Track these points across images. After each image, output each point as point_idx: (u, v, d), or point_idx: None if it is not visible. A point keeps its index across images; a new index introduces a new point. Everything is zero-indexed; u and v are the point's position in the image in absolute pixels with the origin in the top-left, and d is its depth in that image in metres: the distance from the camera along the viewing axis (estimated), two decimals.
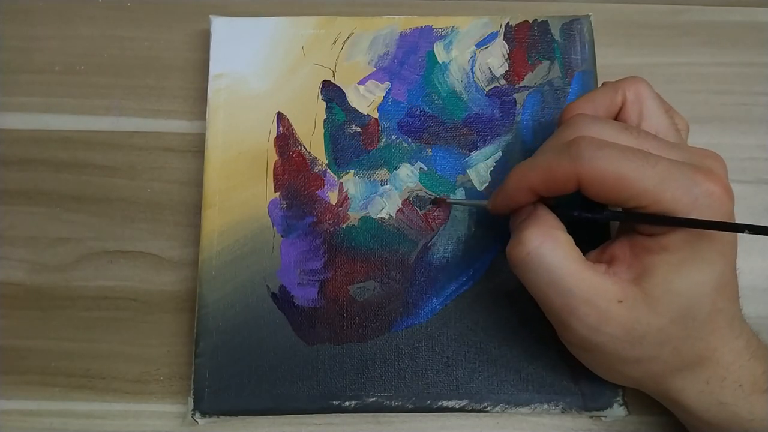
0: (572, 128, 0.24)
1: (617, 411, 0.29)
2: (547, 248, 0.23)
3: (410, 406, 0.29)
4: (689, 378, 0.24)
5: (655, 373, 0.24)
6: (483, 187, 0.31)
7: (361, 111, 0.32)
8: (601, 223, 0.30)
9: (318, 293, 0.30)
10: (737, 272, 0.24)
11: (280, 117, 0.32)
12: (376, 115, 0.32)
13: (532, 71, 0.33)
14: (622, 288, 0.23)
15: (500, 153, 0.32)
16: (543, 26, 0.33)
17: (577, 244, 0.24)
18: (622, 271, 0.24)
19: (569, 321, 0.23)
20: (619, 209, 0.24)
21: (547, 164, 0.23)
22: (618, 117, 0.26)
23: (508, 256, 0.24)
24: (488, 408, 0.29)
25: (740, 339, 0.24)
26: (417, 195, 0.31)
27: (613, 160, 0.22)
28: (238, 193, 0.31)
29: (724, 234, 0.23)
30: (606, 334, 0.23)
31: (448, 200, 0.31)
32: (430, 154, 0.32)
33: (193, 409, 0.29)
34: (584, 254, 0.24)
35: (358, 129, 0.32)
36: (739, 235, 0.23)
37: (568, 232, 0.24)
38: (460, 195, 0.31)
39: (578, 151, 0.22)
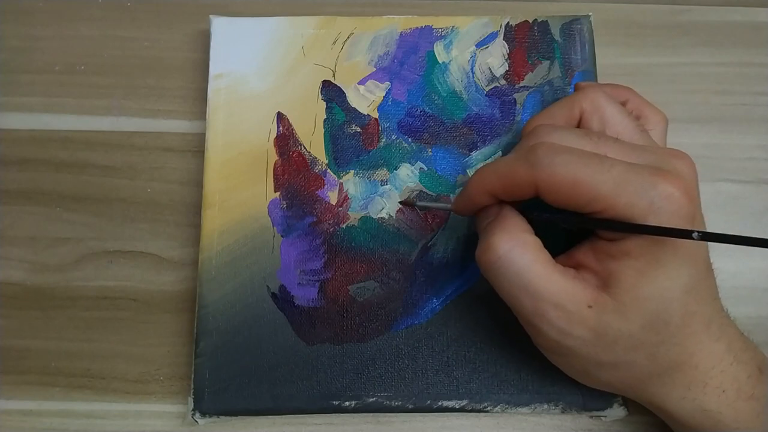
0: (533, 137, 0.24)
1: (617, 411, 0.29)
2: (517, 253, 0.23)
3: (410, 406, 0.29)
4: (669, 384, 0.24)
5: (634, 379, 0.24)
6: None
7: (361, 111, 0.32)
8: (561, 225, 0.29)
9: (318, 293, 0.30)
10: (714, 271, 0.24)
11: (280, 117, 0.32)
12: (376, 115, 0.32)
13: (532, 71, 0.33)
14: (592, 294, 0.23)
15: (500, 153, 0.32)
16: (543, 26, 0.33)
17: (546, 246, 0.24)
18: (590, 278, 0.23)
19: (540, 325, 0.23)
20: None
21: (506, 170, 0.23)
22: (580, 127, 0.26)
23: (478, 261, 0.24)
24: (488, 408, 0.29)
25: (720, 342, 0.23)
26: (419, 193, 0.31)
27: (569, 165, 0.22)
28: (238, 193, 0.31)
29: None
30: (576, 337, 0.23)
31: (417, 203, 0.31)
32: (430, 154, 0.32)
33: (193, 409, 0.29)
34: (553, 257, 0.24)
35: (358, 129, 0.32)
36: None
37: (538, 234, 0.24)
38: None
39: (536, 157, 0.22)
